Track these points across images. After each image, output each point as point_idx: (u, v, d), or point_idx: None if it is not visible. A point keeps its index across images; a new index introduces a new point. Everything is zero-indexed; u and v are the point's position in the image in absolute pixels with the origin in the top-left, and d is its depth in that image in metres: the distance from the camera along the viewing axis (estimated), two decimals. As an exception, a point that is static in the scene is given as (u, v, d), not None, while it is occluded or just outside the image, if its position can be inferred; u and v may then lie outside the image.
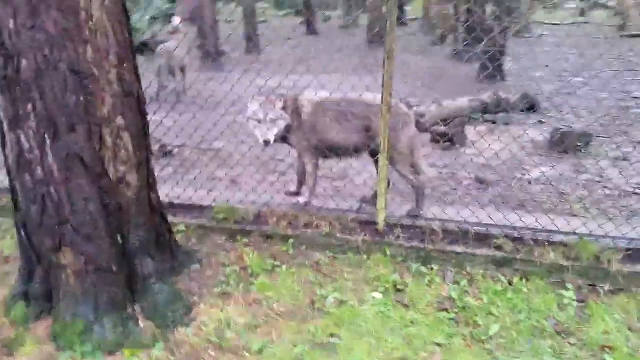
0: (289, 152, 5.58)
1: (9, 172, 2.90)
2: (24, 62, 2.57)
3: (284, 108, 3.95)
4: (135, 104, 2.93)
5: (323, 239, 3.86)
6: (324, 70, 8.61)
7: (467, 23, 12.83)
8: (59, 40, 2.56)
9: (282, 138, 4.13)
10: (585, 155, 6.10)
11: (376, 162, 4.15)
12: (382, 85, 3.40)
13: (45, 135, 2.68)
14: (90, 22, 2.63)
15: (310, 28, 18.19)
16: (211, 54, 11.26)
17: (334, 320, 3.14)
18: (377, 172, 3.83)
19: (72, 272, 2.90)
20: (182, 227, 4.07)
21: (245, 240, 3.99)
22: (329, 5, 26.14)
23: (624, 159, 5.88)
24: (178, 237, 3.80)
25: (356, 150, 4.06)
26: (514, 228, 3.68)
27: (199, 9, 10.95)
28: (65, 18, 2.55)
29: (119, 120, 2.85)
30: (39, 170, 2.75)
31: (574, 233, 3.56)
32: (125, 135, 2.90)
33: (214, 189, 4.50)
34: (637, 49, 13.83)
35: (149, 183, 3.15)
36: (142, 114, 3.02)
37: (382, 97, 3.44)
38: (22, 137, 2.73)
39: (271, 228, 3.98)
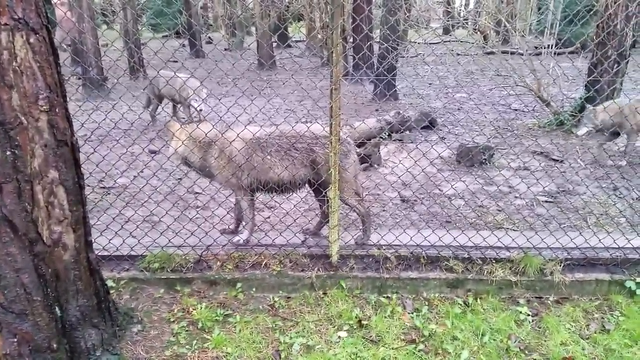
0: (209, 183, 5.26)
1: None
2: None
3: (204, 147, 3.82)
4: (69, 154, 2.54)
5: (274, 279, 3.64)
6: (214, 94, 8.35)
7: (354, 44, 13.33)
8: (-23, 86, 2.13)
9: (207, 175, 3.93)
10: (490, 167, 6.52)
11: (316, 192, 4.06)
12: (331, 117, 3.31)
13: (-38, 200, 2.21)
14: (14, 64, 2.22)
15: (195, 50, 17.69)
16: (95, 81, 10.43)
17: (306, 370, 2.95)
18: (325, 204, 3.72)
19: (1, 358, 2.41)
20: (110, 282, 3.62)
21: (187, 289, 3.65)
22: (210, 26, 25.69)
23: (525, 169, 6.37)
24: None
25: (300, 185, 3.90)
26: (463, 248, 3.76)
27: (79, 35, 10.09)
28: (-16, 60, 2.13)
29: (53, 174, 2.44)
30: (-47, 243, 2.26)
31: (519, 248, 3.73)
32: (60, 191, 2.49)
33: (128, 232, 4.03)
34: (499, 65, 15.26)
35: (87, 242, 2.73)
36: (77, 164, 2.62)
37: (330, 128, 3.34)
38: None
39: (215, 273, 3.68)
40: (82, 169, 2.72)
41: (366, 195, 5.63)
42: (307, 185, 4.02)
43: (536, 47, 15.83)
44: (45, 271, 2.47)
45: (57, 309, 2.56)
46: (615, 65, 8.01)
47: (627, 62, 8.23)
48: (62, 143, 2.47)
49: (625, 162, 6.64)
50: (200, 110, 7.95)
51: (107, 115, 4.00)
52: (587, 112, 6.73)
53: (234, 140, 3.72)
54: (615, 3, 7.61)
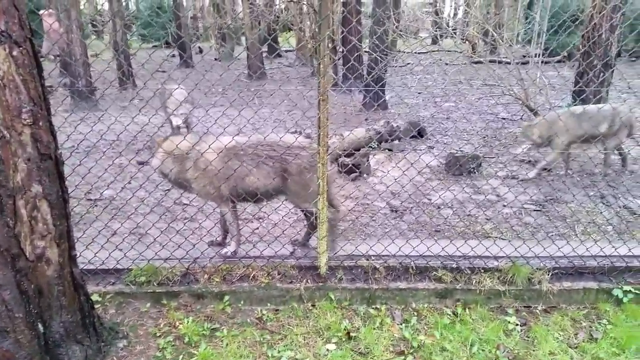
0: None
1: None
2: None
3: (179, 159, 3.81)
4: (53, 168, 2.51)
5: (262, 292, 3.62)
6: (202, 105, 8.32)
7: (343, 54, 13.38)
8: (-42, 99, 2.11)
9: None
10: (478, 176, 6.55)
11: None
12: (319, 127, 3.30)
13: (-58, 216, 2.17)
14: (-4, 77, 2.20)
15: (184, 60, 17.67)
16: (83, 93, 10.36)
17: (294, 385, 2.92)
18: (312, 215, 3.71)
19: (-19, 377, 2.37)
20: (96, 296, 3.57)
21: (173, 303, 3.61)
22: (199, 37, 25.70)
23: (513, 177, 6.41)
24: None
25: (275, 194, 3.91)
26: (452, 258, 3.76)
27: (67, 45, 10.04)
28: (-34, 73, 2.10)
29: (36, 188, 2.41)
30: None
31: (507, 257, 3.73)
32: (44, 205, 2.46)
33: (114, 245, 3.98)
34: (486, 74, 15.36)
35: (71, 256, 2.70)
36: (61, 178, 2.59)
37: (318, 139, 3.33)
38: None
39: (202, 286, 3.64)
40: (68, 181, 2.69)
41: (355, 205, 5.63)
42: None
43: (523, 57, 15.98)
44: (27, 287, 2.43)
45: (39, 325, 2.52)
46: (601, 75, 8.11)
47: (612, 71, 8.35)
48: (45, 157, 2.44)
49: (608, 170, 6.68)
50: (178, 127, 7.78)
51: (94, 127, 3.97)
52: (523, 128, 6.73)
53: (221, 151, 3.71)
54: (599, 13, 7.72)
